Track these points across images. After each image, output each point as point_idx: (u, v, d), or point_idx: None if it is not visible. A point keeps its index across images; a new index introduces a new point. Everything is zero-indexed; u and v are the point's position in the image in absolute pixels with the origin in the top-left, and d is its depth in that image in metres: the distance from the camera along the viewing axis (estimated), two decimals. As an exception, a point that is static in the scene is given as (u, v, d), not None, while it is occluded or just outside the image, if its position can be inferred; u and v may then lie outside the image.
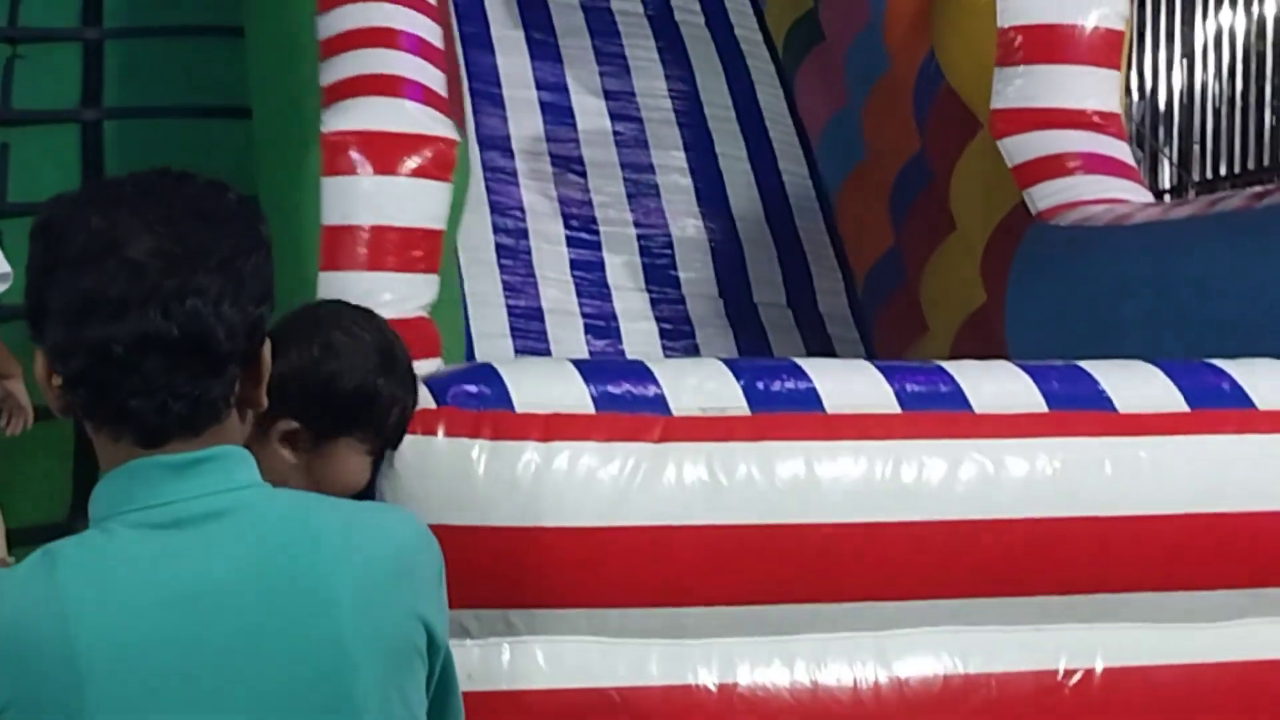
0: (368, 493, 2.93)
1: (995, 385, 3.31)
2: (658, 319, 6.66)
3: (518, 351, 6.33)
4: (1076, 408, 3.31)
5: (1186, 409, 3.37)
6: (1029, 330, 5.64)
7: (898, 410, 3.21)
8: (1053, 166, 5.70)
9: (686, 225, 6.99)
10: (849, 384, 3.24)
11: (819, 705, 3.16)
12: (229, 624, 1.79)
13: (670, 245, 6.91)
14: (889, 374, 3.26)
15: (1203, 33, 10.48)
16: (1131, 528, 3.29)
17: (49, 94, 6.52)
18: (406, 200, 4.58)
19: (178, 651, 1.76)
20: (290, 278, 4.36)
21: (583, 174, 7.03)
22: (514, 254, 6.68)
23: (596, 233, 6.85)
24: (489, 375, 3.03)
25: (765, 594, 3.13)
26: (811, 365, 3.25)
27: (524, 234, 6.76)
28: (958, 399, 3.26)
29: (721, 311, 6.77)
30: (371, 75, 4.85)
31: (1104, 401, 3.33)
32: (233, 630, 1.79)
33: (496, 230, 6.68)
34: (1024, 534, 3.24)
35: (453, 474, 2.95)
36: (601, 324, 6.57)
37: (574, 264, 6.74)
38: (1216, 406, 3.38)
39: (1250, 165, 10.24)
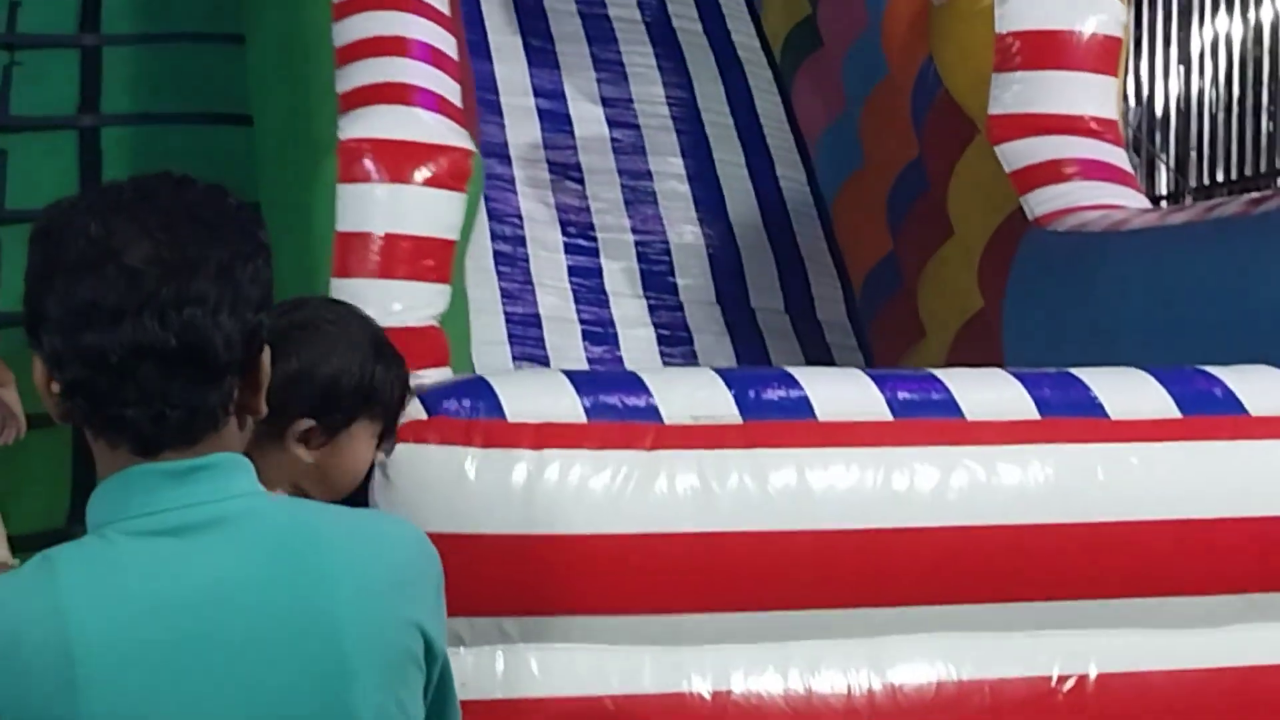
0: (361, 501, 2.95)
1: (987, 392, 3.31)
2: (655, 325, 6.66)
3: (515, 358, 6.33)
4: (1069, 414, 3.31)
5: (1179, 415, 3.37)
6: (1026, 336, 5.65)
7: (890, 418, 3.21)
8: (1050, 172, 5.70)
9: (684, 232, 6.99)
10: (841, 392, 3.24)
11: (813, 712, 3.16)
12: (227, 631, 1.79)
13: (668, 252, 6.91)
14: (881, 381, 3.27)
15: (1199, 39, 10.48)
16: (1124, 534, 3.29)
17: (47, 101, 6.54)
18: (420, 209, 4.60)
19: (175, 658, 1.77)
20: (301, 283, 4.38)
21: (580, 181, 7.03)
22: (512, 261, 6.68)
23: (594, 239, 6.86)
24: (481, 388, 3.04)
25: (758, 601, 3.13)
26: (803, 373, 3.25)
27: (522, 241, 6.76)
28: (950, 406, 3.26)
29: (719, 318, 6.77)
30: (388, 84, 4.87)
31: (1096, 408, 3.33)
32: (230, 638, 1.79)
33: (494, 237, 6.68)
34: (1017, 540, 3.24)
35: (445, 483, 2.95)
36: (599, 330, 6.57)
37: (572, 271, 6.74)
38: (1209, 413, 3.38)
39: (1247, 171, 10.24)
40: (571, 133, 7.17)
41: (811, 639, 3.16)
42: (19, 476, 5.00)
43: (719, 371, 3.23)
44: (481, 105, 7.06)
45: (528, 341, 6.44)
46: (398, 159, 4.61)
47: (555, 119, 7.21)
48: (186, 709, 1.77)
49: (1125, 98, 6.21)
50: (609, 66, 7.46)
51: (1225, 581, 3.37)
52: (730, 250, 6.99)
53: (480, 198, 4.84)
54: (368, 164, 4.59)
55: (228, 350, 1.83)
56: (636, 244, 6.89)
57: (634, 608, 3.07)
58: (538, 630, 3.02)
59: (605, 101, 7.32)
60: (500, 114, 7.14)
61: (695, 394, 3.15)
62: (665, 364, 6.49)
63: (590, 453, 3.01)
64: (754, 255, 7.00)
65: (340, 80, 4.95)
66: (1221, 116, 10.37)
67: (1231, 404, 3.40)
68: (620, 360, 6.45)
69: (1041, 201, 5.62)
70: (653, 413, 3.09)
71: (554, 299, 6.61)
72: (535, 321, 6.52)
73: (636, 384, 3.13)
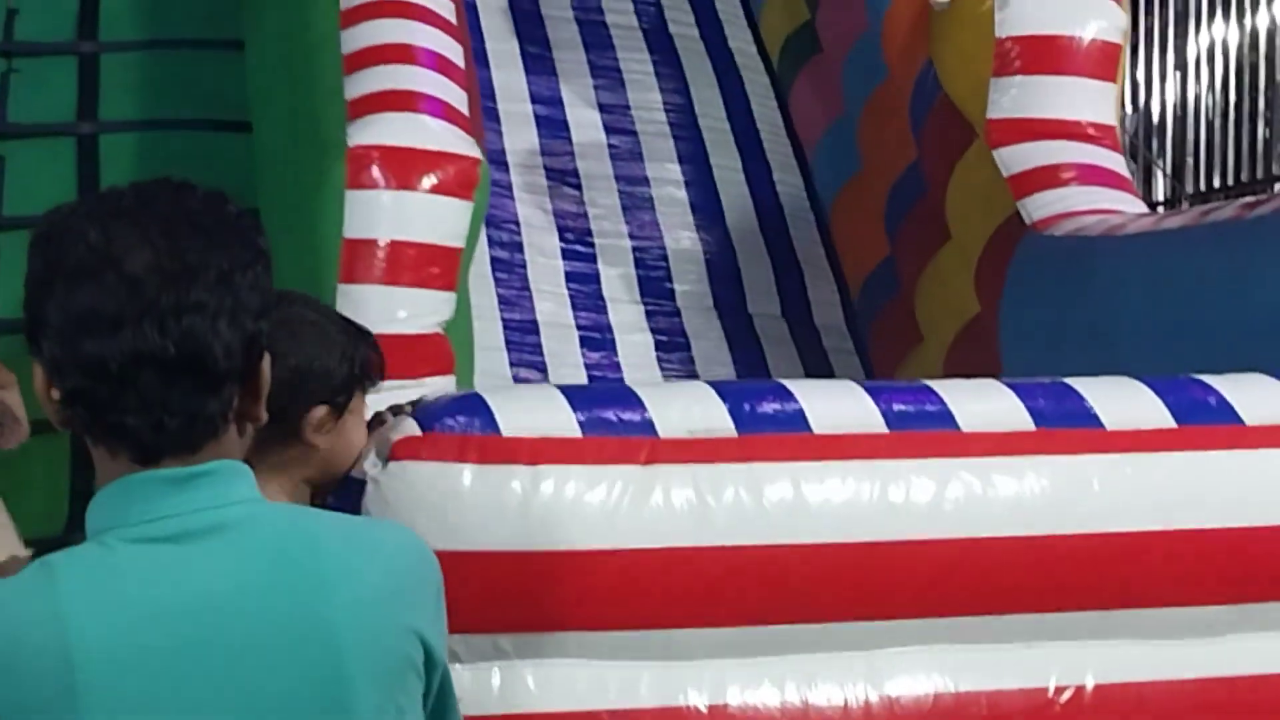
0: (349, 501, 2.97)
1: (982, 404, 3.31)
2: (653, 331, 6.67)
3: (513, 365, 6.34)
4: (1064, 425, 3.31)
5: (1174, 425, 3.36)
6: (1023, 340, 5.65)
7: (885, 430, 3.21)
8: (1048, 177, 5.71)
9: (681, 237, 7.00)
10: (836, 405, 3.24)
11: (810, 724, 3.17)
12: (226, 638, 1.79)
13: (665, 257, 6.91)
14: (876, 394, 3.27)
15: (1196, 45, 10.47)
16: (1120, 544, 3.29)
17: (45, 107, 6.54)
18: (427, 216, 4.62)
19: (174, 664, 1.77)
20: (304, 287, 4.37)
21: (578, 187, 7.04)
22: (509, 267, 6.69)
23: (592, 245, 6.86)
24: (475, 403, 3.04)
25: (755, 615, 3.13)
26: (798, 386, 3.25)
27: (519, 247, 6.77)
28: (945, 418, 3.26)
29: (716, 323, 6.78)
30: (396, 91, 4.89)
31: (1091, 419, 3.33)
32: (230, 644, 1.79)
33: (492, 244, 6.69)
34: (1013, 552, 3.24)
35: (440, 499, 2.95)
36: (597, 336, 6.58)
37: (569, 276, 6.74)
38: (1204, 422, 3.38)
39: (1244, 177, 10.23)
40: (569, 139, 7.18)
41: (808, 652, 3.16)
42: (17, 483, 4.99)
43: (714, 385, 3.23)
44: (481, 112, 7.07)
45: (525, 348, 6.44)
46: (405, 166, 4.63)
47: (553, 125, 7.22)
48: (185, 715, 1.78)
49: (1122, 104, 6.21)
50: (606, 73, 7.46)
51: (1222, 591, 3.37)
52: (727, 255, 6.99)
53: (486, 206, 4.85)
54: (375, 171, 4.60)
55: (227, 358, 1.83)
56: (634, 250, 6.90)
57: (630, 623, 3.06)
58: (534, 646, 3.02)
59: (603, 108, 7.33)
60: (498, 121, 7.15)
61: (690, 408, 3.15)
62: (663, 370, 6.50)
63: (585, 468, 3.01)
64: (751, 260, 7.00)
65: (348, 87, 4.96)
66: (1218, 123, 10.37)
67: (1226, 413, 3.40)
68: (618, 366, 6.46)
69: (1039, 206, 5.63)
70: (648, 427, 3.09)
71: (551, 305, 6.61)
72: (533, 328, 6.52)
73: (631, 398, 3.13)
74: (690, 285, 6.86)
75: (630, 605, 3.06)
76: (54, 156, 6.38)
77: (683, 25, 7.74)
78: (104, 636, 1.76)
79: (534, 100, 7.29)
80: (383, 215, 4.61)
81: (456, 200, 4.67)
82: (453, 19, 5.42)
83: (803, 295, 6.99)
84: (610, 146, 7.19)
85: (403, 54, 5.09)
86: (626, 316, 6.67)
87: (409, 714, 1.91)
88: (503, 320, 6.50)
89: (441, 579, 1.97)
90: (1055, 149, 5.78)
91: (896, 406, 3.25)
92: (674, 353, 6.61)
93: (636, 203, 7.05)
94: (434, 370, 4.68)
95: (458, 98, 5.04)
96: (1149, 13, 10.61)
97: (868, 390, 3.29)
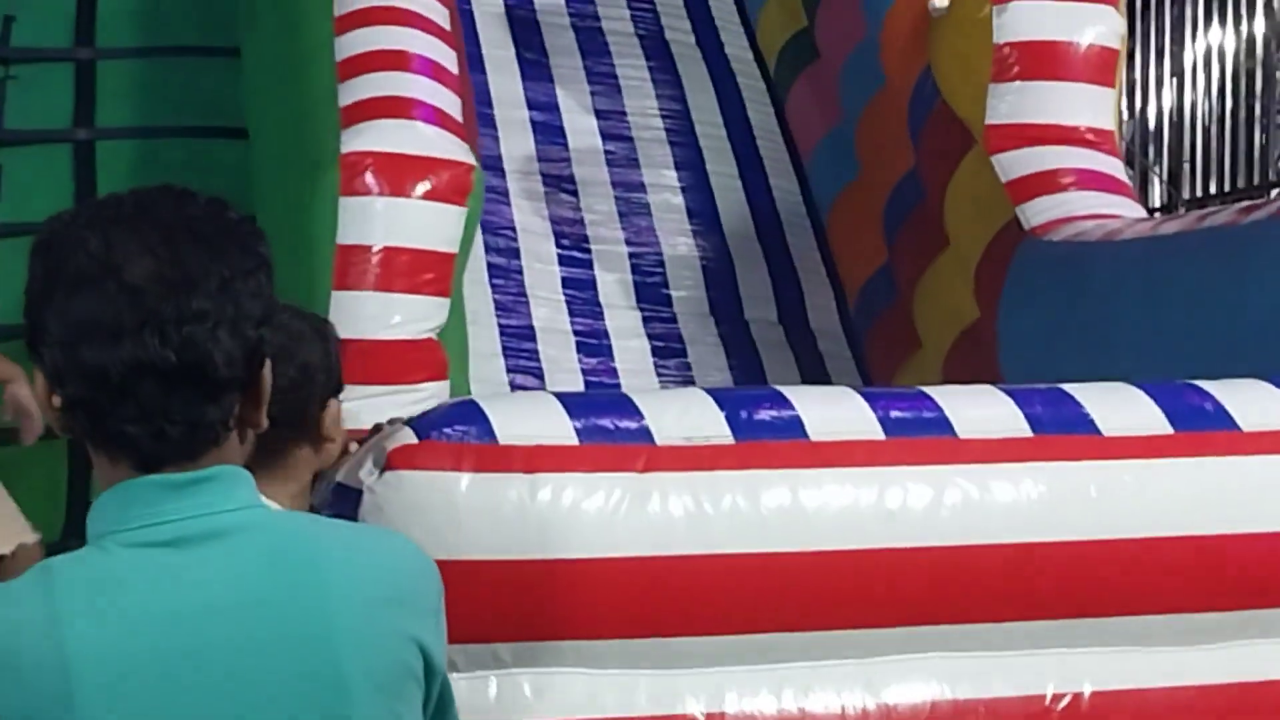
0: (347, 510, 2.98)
1: (979, 410, 3.31)
2: (649, 337, 6.66)
3: (509, 371, 6.34)
4: (1060, 431, 3.31)
5: (1170, 431, 3.36)
6: (1021, 346, 5.65)
7: (882, 437, 3.21)
8: (1046, 183, 5.71)
9: (678, 243, 7.00)
10: (833, 411, 3.23)
11: (808, 733, 3.16)
12: (225, 644, 1.79)
13: (662, 263, 6.91)
14: (873, 400, 3.26)
15: (1192, 52, 10.48)
16: (1117, 551, 3.29)
17: (42, 114, 6.55)
18: (420, 223, 4.61)
19: (172, 669, 1.77)
20: (298, 294, 4.38)
21: (574, 193, 7.04)
22: (505, 273, 6.69)
23: (588, 251, 6.86)
24: (472, 411, 3.03)
25: (752, 623, 3.13)
26: (795, 393, 3.25)
27: (516, 253, 6.76)
28: (942, 424, 3.25)
29: (713, 329, 6.78)
30: (390, 98, 4.89)
31: (1088, 425, 3.33)
32: (228, 650, 1.79)
33: (488, 250, 6.69)
34: (1010, 559, 3.24)
35: (437, 508, 2.95)
36: (593, 342, 6.58)
37: (566, 282, 6.74)
38: (1200, 429, 3.38)
39: (1240, 183, 10.24)
40: (566, 145, 7.18)
41: (805, 660, 3.16)
42: (14, 490, 4.99)
43: (711, 392, 3.23)
44: (476, 118, 7.06)
45: (522, 354, 6.44)
46: (399, 172, 4.64)
47: (549, 132, 7.22)
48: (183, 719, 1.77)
49: (1119, 110, 6.22)
50: (603, 79, 7.46)
51: (1219, 598, 3.36)
52: (724, 262, 6.99)
53: (480, 212, 4.85)
54: (369, 177, 4.61)
55: (228, 367, 1.83)
56: (630, 256, 6.90)
57: (627, 631, 3.06)
58: (531, 655, 3.02)
59: (599, 114, 7.33)
60: (494, 127, 7.15)
61: (687, 415, 3.14)
62: (659, 376, 6.50)
63: (583, 475, 3.00)
64: (748, 266, 7.00)
65: (342, 94, 4.97)
66: (1214, 129, 10.38)
67: (1223, 419, 3.40)
68: (615, 372, 6.46)
69: (1037, 211, 5.63)
70: (645, 434, 3.09)
71: (548, 311, 6.61)
72: (529, 334, 6.52)
73: (628, 406, 3.13)
74: (687, 291, 6.86)
75: (628, 613, 3.06)
76: (51, 163, 6.39)
77: (679, 32, 7.74)
78: (100, 640, 1.76)
79: (531, 106, 7.29)
80: (376, 221, 4.62)
81: (450, 206, 4.68)
82: (446, 25, 5.42)
83: (800, 301, 6.99)
84: (607, 153, 7.19)
85: (396, 60, 5.10)
86: (623, 322, 6.67)
87: (408, 721, 1.91)
88: (499, 326, 6.50)
89: (442, 587, 1.97)
90: (1054, 154, 5.78)
91: (893, 413, 3.25)
92: (671, 359, 6.61)
93: (633, 209, 7.05)
94: (428, 376, 4.69)
95: (451, 104, 5.04)
96: (1145, 19, 10.63)
97: (865, 396, 3.29)
